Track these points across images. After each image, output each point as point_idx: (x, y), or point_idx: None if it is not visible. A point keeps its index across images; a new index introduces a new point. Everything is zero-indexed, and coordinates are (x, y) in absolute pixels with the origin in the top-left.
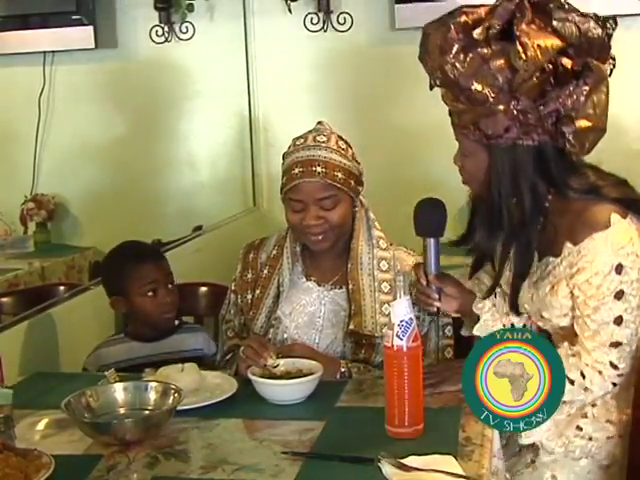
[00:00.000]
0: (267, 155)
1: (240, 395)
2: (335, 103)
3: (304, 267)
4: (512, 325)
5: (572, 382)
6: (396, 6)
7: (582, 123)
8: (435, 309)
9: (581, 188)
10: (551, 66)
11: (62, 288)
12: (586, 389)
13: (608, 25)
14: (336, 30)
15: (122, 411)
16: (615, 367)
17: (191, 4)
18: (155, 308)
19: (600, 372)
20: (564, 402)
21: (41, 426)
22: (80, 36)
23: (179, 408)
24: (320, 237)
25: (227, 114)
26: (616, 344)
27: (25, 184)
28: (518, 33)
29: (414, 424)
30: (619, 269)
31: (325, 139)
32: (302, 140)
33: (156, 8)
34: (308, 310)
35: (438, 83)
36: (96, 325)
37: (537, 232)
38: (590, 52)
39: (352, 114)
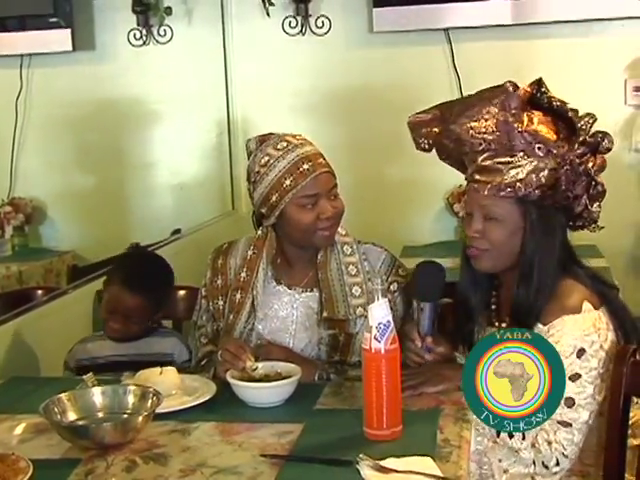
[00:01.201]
0: (246, 158)
1: (219, 398)
2: (314, 106)
3: (274, 272)
4: None
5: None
6: (374, 10)
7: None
8: None
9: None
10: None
11: (40, 292)
12: (534, 446)
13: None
14: (314, 34)
15: (100, 415)
16: (564, 447)
17: (169, 7)
18: (111, 329)
19: (550, 443)
20: (517, 450)
21: (19, 430)
22: (58, 39)
23: (158, 411)
24: (332, 230)
25: (205, 117)
26: (565, 424)
27: (2, 187)
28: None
29: (392, 426)
30: (580, 353)
31: (300, 137)
32: (284, 144)
33: (134, 11)
34: (280, 315)
35: (487, 147)
36: (74, 329)
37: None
38: None
39: (331, 116)
